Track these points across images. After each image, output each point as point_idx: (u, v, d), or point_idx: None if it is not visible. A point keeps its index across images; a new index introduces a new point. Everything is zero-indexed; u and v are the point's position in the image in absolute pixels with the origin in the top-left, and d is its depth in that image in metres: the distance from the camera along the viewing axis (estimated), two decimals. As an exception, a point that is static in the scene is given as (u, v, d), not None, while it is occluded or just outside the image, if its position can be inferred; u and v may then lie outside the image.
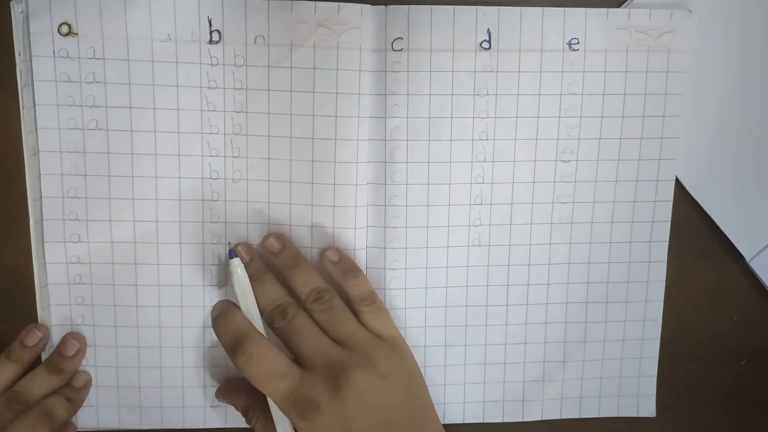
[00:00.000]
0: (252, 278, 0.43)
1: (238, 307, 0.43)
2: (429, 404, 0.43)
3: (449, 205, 0.47)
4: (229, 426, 0.49)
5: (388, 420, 0.40)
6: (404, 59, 0.45)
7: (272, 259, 0.45)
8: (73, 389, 0.46)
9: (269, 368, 0.40)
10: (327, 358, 0.40)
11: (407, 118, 0.46)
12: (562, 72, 0.46)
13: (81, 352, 0.47)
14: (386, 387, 0.40)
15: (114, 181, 0.45)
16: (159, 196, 0.46)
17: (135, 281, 0.47)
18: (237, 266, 0.43)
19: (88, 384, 0.47)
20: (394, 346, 0.43)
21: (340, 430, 0.39)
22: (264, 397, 0.42)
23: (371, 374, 0.40)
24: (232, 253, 0.43)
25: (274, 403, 0.40)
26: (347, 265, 0.45)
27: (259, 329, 0.42)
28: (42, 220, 0.46)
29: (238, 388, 0.45)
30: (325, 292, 0.43)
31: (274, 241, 0.45)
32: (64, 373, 0.46)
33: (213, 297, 0.47)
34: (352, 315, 0.44)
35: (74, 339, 0.46)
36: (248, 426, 0.45)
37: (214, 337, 0.47)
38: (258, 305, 0.43)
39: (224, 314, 0.43)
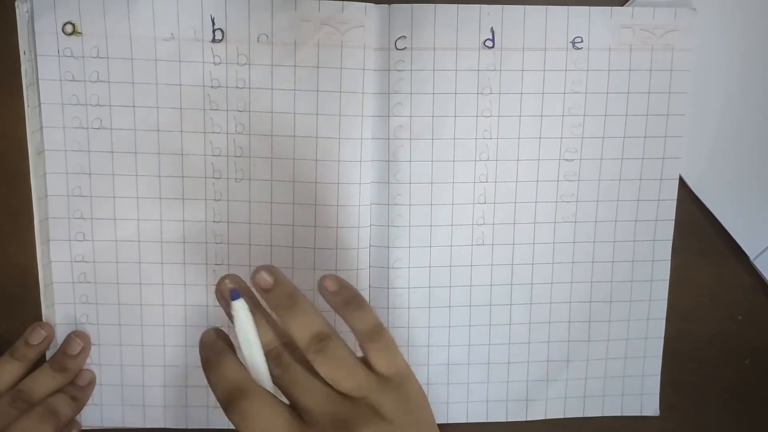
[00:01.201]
0: None
1: (231, 350, 0.38)
2: None
3: (452, 204, 0.47)
4: (232, 428, 0.49)
5: None
6: (408, 58, 0.45)
7: (263, 296, 0.39)
8: (77, 388, 0.47)
9: (266, 426, 0.35)
10: (330, 413, 0.36)
11: (410, 116, 0.46)
12: (566, 71, 0.46)
13: (85, 350, 0.47)
14: (392, 431, 0.37)
15: (118, 179, 0.46)
16: (162, 195, 0.46)
17: (139, 280, 0.47)
18: (240, 309, 0.37)
19: (92, 382, 0.47)
20: (401, 384, 0.38)
21: None
22: None
23: (380, 424, 0.36)
24: (235, 294, 0.38)
25: None
26: (349, 296, 0.39)
27: (263, 378, 0.37)
28: (47, 218, 0.46)
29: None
30: (328, 339, 0.37)
31: (266, 275, 0.38)
32: (69, 371, 0.46)
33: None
34: (356, 359, 0.38)
35: (78, 338, 0.46)
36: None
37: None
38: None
39: (216, 360, 0.37)
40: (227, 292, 0.38)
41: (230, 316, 0.38)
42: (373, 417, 0.36)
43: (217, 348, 0.38)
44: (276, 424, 0.35)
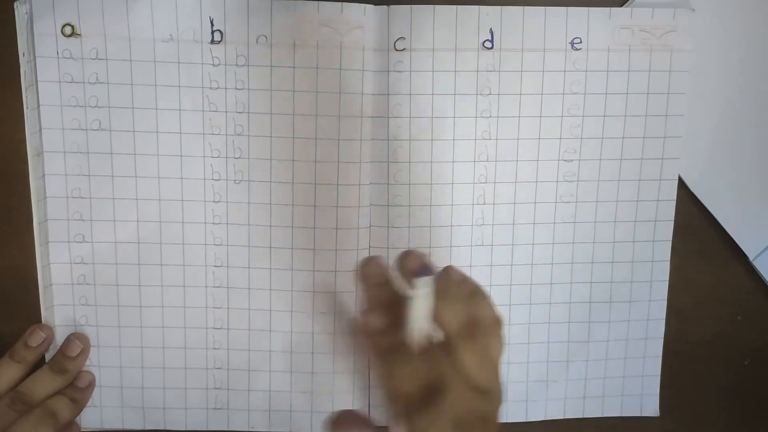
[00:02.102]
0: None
1: (409, 345, 0.35)
2: None
3: (452, 205, 0.47)
4: (231, 429, 0.49)
5: None
6: (407, 59, 0.45)
7: (447, 286, 0.36)
8: (77, 389, 0.46)
9: (442, 428, 0.34)
10: (474, 412, 0.35)
11: (410, 117, 0.46)
12: (565, 71, 0.46)
13: (85, 352, 0.47)
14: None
15: (117, 181, 0.46)
16: (162, 197, 0.46)
17: (138, 281, 0.47)
18: (425, 288, 0.35)
19: (91, 384, 0.47)
20: (501, 386, 0.37)
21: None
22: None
23: (497, 416, 0.36)
24: (423, 271, 0.36)
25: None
26: (472, 287, 0.37)
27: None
28: (46, 220, 0.46)
29: (362, 424, 0.38)
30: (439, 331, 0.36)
31: (458, 271, 0.37)
32: (68, 373, 0.46)
33: (216, 298, 0.47)
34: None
35: (78, 339, 0.46)
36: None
37: (217, 339, 0.47)
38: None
39: (404, 354, 0.35)
40: (412, 267, 0.36)
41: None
42: (497, 408, 0.36)
43: (395, 339, 0.36)
44: (447, 424, 0.34)
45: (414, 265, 0.37)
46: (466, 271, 0.47)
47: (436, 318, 0.35)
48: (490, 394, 0.36)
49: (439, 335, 0.36)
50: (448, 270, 0.37)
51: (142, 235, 0.46)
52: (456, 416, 0.34)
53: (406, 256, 0.37)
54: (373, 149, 0.46)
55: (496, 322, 0.37)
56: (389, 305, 0.37)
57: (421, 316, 0.35)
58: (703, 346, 0.51)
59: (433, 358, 0.35)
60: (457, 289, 0.36)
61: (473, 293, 0.37)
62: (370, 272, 0.38)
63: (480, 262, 0.48)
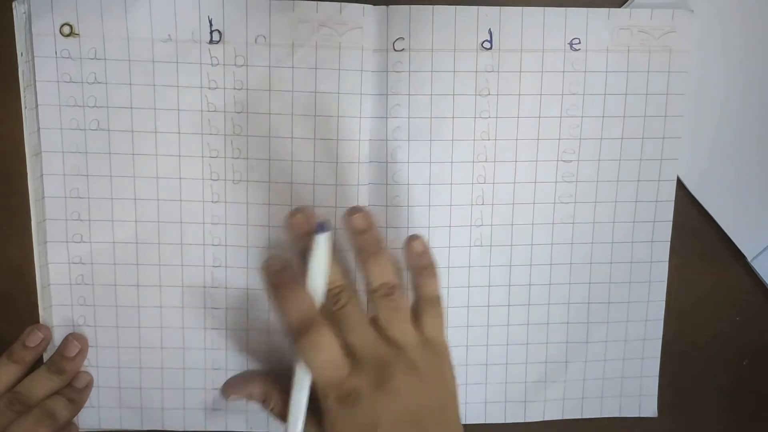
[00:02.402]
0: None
1: (301, 282, 0.40)
2: (457, 413, 0.43)
3: (451, 206, 0.47)
4: (229, 430, 0.49)
5: (419, 419, 0.40)
6: (406, 59, 0.45)
7: (351, 237, 0.42)
8: (74, 390, 0.46)
9: (329, 357, 0.39)
10: (375, 354, 0.40)
11: (409, 118, 0.46)
12: (563, 72, 0.46)
13: (82, 352, 0.47)
14: (423, 389, 0.40)
15: (116, 181, 0.46)
16: (160, 197, 0.46)
17: (136, 282, 0.47)
18: (323, 242, 0.39)
19: (89, 385, 0.47)
20: (440, 353, 0.43)
21: (371, 422, 0.39)
22: (278, 381, 0.42)
23: (413, 377, 0.40)
24: (326, 227, 0.40)
25: (317, 385, 0.39)
26: (427, 261, 0.43)
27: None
28: (44, 220, 0.46)
29: (249, 379, 0.43)
30: (396, 289, 0.41)
31: (361, 219, 0.42)
32: (66, 373, 0.46)
33: (214, 298, 0.47)
34: (410, 316, 0.42)
35: (76, 340, 0.46)
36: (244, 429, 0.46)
37: (215, 339, 0.47)
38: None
39: (291, 288, 0.39)
40: (306, 225, 0.40)
41: (299, 250, 0.40)
42: (409, 368, 0.40)
43: (287, 275, 0.40)
44: (336, 356, 0.39)
45: (304, 222, 0.41)
46: (465, 272, 0.48)
47: (366, 271, 0.41)
48: (400, 349, 0.40)
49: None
50: (410, 240, 0.43)
51: (141, 235, 0.46)
52: (351, 344, 0.39)
53: (295, 214, 0.41)
54: (372, 150, 0.46)
55: (435, 299, 0.43)
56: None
57: (319, 263, 0.39)
58: (702, 347, 0.51)
59: (335, 294, 0.40)
60: (365, 243, 0.42)
61: (424, 267, 0.43)
62: (295, 220, 0.41)
63: (478, 262, 0.48)
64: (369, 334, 0.40)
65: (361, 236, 0.42)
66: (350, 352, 0.40)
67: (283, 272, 0.40)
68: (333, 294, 0.40)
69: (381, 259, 0.41)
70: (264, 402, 0.42)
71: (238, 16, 0.44)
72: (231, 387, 0.43)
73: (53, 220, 0.46)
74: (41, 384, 0.45)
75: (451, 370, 0.43)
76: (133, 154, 0.45)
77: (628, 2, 0.46)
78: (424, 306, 0.42)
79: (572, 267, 0.49)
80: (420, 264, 0.43)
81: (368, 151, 0.46)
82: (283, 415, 0.41)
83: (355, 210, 0.42)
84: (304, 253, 0.40)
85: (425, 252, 0.43)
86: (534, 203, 0.48)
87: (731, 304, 0.51)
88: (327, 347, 0.38)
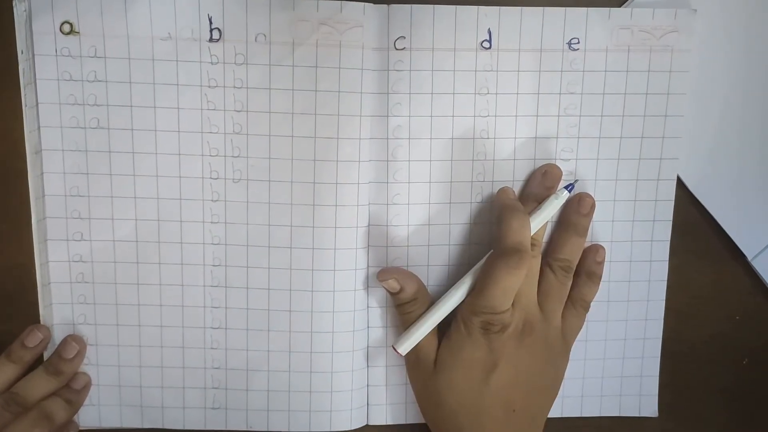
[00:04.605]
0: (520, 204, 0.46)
1: (527, 215, 0.44)
2: (547, 411, 0.47)
3: (450, 203, 0.47)
4: (229, 428, 0.49)
5: (527, 383, 0.44)
6: (406, 58, 0.45)
7: (569, 212, 0.46)
8: (72, 391, 0.46)
9: (513, 287, 0.42)
10: (531, 311, 0.45)
11: (409, 116, 0.46)
12: (562, 71, 0.46)
13: (80, 354, 0.47)
14: (543, 360, 0.45)
15: (116, 179, 0.46)
16: (160, 195, 0.46)
17: (137, 280, 0.47)
18: (564, 197, 0.45)
19: (87, 385, 0.47)
20: (566, 351, 0.47)
21: (495, 359, 0.43)
22: (425, 294, 0.46)
23: (543, 346, 0.45)
24: (571, 187, 0.46)
25: (477, 305, 0.43)
26: (600, 272, 0.47)
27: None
28: (44, 218, 0.46)
29: (412, 275, 0.46)
30: (572, 272, 0.46)
31: (587, 199, 0.46)
32: (63, 375, 0.46)
33: (214, 297, 0.47)
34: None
35: (74, 341, 0.46)
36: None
37: (215, 338, 0.47)
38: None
39: (523, 216, 0.43)
40: (557, 180, 0.47)
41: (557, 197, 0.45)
42: (548, 339, 0.46)
43: (520, 206, 0.45)
44: (515, 289, 0.43)
45: (558, 175, 0.47)
46: (465, 270, 0.48)
47: (561, 240, 0.46)
48: (544, 321, 0.45)
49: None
50: (598, 248, 0.48)
51: (141, 233, 0.46)
52: (519, 291, 0.44)
53: (551, 168, 0.47)
54: (372, 148, 0.46)
55: (587, 306, 0.48)
56: None
57: (548, 214, 0.45)
58: (702, 346, 0.51)
59: (531, 245, 0.44)
60: (577, 220, 0.47)
61: (596, 275, 0.48)
62: (555, 172, 0.47)
63: (479, 260, 0.48)
64: (534, 293, 0.45)
65: (583, 215, 0.46)
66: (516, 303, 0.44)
67: (517, 200, 0.46)
68: (531, 243, 0.44)
69: (579, 243, 0.46)
70: (408, 302, 0.45)
71: (238, 14, 0.44)
72: (388, 274, 0.45)
73: (53, 218, 0.46)
74: (38, 385, 0.45)
75: (563, 372, 0.47)
76: (133, 153, 0.45)
77: (628, 2, 0.46)
78: (577, 306, 0.47)
79: (572, 266, 0.49)
80: (595, 271, 0.47)
81: (369, 150, 0.46)
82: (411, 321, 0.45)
83: (583, 195, 0.46)
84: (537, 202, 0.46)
85: (602, 263, 0.47)
86: (534, 202, 0.48)
87: (731, 303, 0.51)
88: (518, 276, 0.42)
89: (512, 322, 0.43)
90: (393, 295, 0.46)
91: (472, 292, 0.44)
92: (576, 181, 0.47)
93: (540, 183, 0.46)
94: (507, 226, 0.43)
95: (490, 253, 0.44)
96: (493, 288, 0.42)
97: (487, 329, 0.43)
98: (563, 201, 0.45)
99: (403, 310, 0.46)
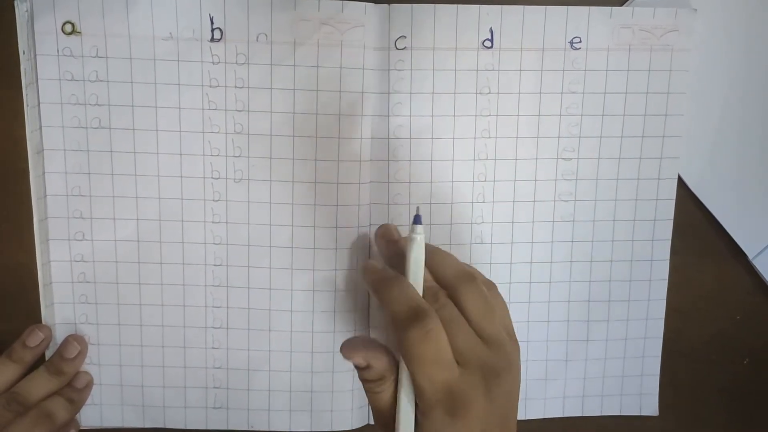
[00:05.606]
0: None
1: (402, 276, 0.39)
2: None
3: (452, 203, 0.47)
4: (231, 428, 0.49)
5: (508, 416, 0.38)
6: (407, 58, 0.45)
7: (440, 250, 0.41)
8: (74, 390, 0.46)
9: (440, 352, 0.35)
10: (480, 357, 0.37)
11: (410, 116, 0.46)
12: (563, 71, 0.46)
13: (82, 354, 0.47)
14: (516, 387, 0.39)
15: (117, 179, 0.46)
16: (161, 195, 0.46)
17: (138, 280, 0.47)
18: (420, 234, 0.38)
19: (89, 385, 0.47)
20: (515, 349, 0.40)
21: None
22: (395, 371, 0.38)
23: (513, 376, 0.38)
24: (418, 219, 0.39)
25: (424, 391, 0.36)
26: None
27: None
28: (46, 218, 0.46)
29: (380, 349, 0.39)
30: (479, 278, 0.39)
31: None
32: (65, 374, 0.46)
33: (215, 297, 0.47)
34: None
35: (76, 341, 0.46)
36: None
37: (216, 338, 0.47)
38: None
39: (395, 281, 0.38)
40: (396, 233, 0.44)
41: (411, 241, 0.39)
42: (511, 369, 0.38)
43: (389, 272, 0.40)
44: (446, 350, 0.36)
45: (388, 231, 0.44)
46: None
47: (435, 265, 0.39)
48: (498, 347, 0.37)
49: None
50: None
51: (142, 233, 0.46)
52: (457, 349, 0.36)
53: (382, 228, 0.45)
54: (374, 147, 0.46)
55: (492, 284, 0.41)
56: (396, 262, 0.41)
57: (418, 257, 0.38)
58: (703, 346, 0.51)
59: (433, 294, 0.38)
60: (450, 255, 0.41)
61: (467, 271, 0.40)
62: (383, 232, 0.44)
63: (479, 260, 0.48)
64: (470, 334, 0.37)
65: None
66: (457, 356, 0.36)
67: (384, 270, 0.40)
68: (432, 293, 0.38)
69: (450, 258, 0.41)
70: (375, 382, 0.38)
71: (239, 14, 0.44)
72: (354, 351, 0.38)
73: (55, 218, 0.46)
74: (40, 384, 0.45)
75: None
76: (134, 152, 0.45)
77: (629, 1, 0.46)
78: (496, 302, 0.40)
79: (572, 265, 0.49)
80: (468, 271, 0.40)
81: (370, 150, 0.46)
82: (384, 404, 0.38)
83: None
84: (395, 258, 0.41)
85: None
86: (534, 201, 0.48)
87: (732, 302, 0.51)
88: (439, 339, 0.35)
89: (471, 386, 0.36)
90: (359, 370, 0.39)
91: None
92: (417, 207, 0.41)
93: (386, 242, 0.43)
94: (388, 298, 0.37)
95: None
96: (419, 374, 0.35)
97: (454, 413, 0.36)
98: (422, 234, 0.39)
99: (370, 388, 0.38)
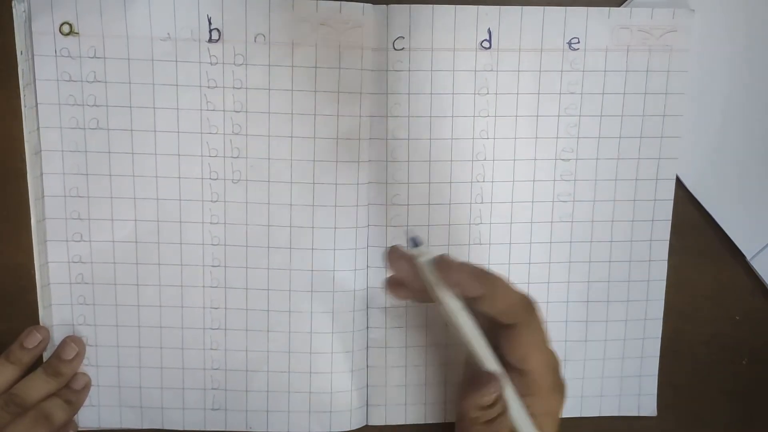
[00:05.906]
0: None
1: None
2: None
3: (450, 204, 0.47)
4: (229, 429, 0.49)
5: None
6: (405, 58, 0.45)
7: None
8: (72, 391, 0.46)
9: None
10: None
11: (408, 117, 0.46)
12: (562, 71, 0.46)
13: (80, 355, 0.47)
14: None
15: (115, 180, 0.46)
16: (159, 196, 0.46)
17: (136, 281, 0.47)
18: (429, 253, 0.38)
19: (87, 386, 0.47)
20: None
21: None
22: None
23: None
24: (417, 240, 0.39)
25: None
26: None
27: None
28: (44, 219, 0.46)
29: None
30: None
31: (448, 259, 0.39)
32: (63, 376, 0.46)
33: (213, 297, 0.47)
34: None
35: (73, 342, 0.46)
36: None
37: (214, 339, 0.47)
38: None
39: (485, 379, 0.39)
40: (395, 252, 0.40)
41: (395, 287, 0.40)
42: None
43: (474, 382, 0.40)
44: None
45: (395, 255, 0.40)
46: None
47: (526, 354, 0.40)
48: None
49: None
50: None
51: (140, 234, 0.46)
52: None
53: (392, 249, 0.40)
54: (372, 148, 0.46)
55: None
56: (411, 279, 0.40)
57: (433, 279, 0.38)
58: (701, 346, 0.51)
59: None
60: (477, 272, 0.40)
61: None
62: (392, 251, 0.40)
63: (477, 260, 0.48)
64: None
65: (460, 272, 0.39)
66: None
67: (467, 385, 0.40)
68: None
69: (509, 289, 0.41)
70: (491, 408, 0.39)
71: (237, 15, 0.44)
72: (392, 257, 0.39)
73: (53, 219, 0.46)
74: (38, 386, 0.45)
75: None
76: (132, 153, 0.45)
77: (627, 1, 0.46)
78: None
79: (571, 265, 0.49)
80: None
81: (368, 150, 0.46)
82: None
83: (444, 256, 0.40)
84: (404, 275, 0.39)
85: None
86: (532, 201, 0.48)
87: (730, 303, 0.51)
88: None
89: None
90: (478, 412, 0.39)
91: None
92: (416, 235, 0.40)
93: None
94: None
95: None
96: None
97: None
98: (431, 256, 0.38)
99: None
